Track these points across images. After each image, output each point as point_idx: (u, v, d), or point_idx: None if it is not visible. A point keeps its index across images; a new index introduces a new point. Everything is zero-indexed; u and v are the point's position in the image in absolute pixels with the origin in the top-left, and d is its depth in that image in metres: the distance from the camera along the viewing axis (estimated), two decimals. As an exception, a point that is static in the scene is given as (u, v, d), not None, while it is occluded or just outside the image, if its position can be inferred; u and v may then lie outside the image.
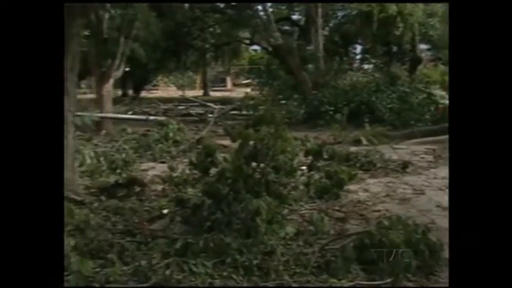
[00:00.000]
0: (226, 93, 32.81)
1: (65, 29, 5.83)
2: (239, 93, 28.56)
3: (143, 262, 3.95)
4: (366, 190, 6.95)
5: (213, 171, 5.38)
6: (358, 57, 26.19)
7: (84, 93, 21.57)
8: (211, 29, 26.07)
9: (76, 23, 5.92)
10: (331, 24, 24.94)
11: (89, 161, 7.92)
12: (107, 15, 13.13)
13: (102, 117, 12.43)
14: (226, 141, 8.17)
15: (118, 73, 13.99)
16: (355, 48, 26.14)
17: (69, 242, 3.95)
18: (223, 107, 16.81)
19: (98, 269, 3.87)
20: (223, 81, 41.68)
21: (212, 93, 34.03)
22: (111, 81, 14.03)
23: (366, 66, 24.51)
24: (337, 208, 5.93)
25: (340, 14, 24.59)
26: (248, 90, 27.81)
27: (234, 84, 39.98)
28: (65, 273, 3.68)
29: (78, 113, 8.47)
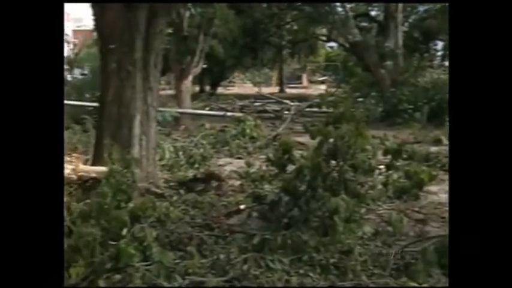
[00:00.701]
0: (302, 91, 32.66)
1: (149, 28, 6.06)
2: (315, 90, 28.37)
3: (221, 256, 4.02)
4: (447, 191, 6.70)
5: (290, 168, 5.38)
6: (439, 53, 25.30)
7: (163, 89, 22.20)
8: (288, 26, 26.08)
9: (160, 21, 6.11)
10: (410, 20, 24.26)
11: (168, 155, 8.15)
12: (187, 14, 13.43)
13: (181, 113, 12.75)
14: (303, 139, 8.14)
15: (197, 70, 14.30)
16: (436, 45, 25.29)
17: (151, 233, 4.08)
18: (300, 104, 16.75)
19: (177, 261, 3.98)
20: (299, 78, 41.52)
21: (288, 90, 34.00)
22: (190, 77, 14.36)
23: (447, 63, 23.63)
24: (416, 209, 5.77)
25: (421, 9, 23.86)
26: (324, 87, 27.58)
27: (310, 82, 39.72)
28: (147, 263, 3.85)
29: (160, 109, 8.72)
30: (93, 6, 6.65)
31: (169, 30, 13.15)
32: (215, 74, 26.34)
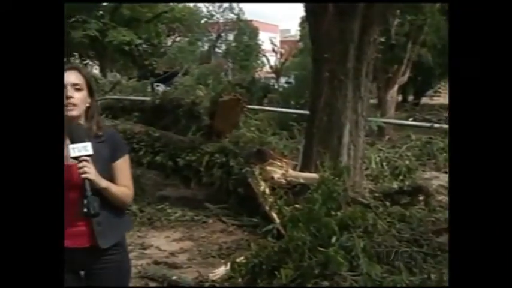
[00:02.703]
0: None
1: (362, 37, 6.06)
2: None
3: (433, 275, 3.82)
4: None
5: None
6: None
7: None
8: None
9: (374, 30, 6.07)
10: None
11: (373, 165, 8.06)
12: (396, 22, 13.20)
13: (385, 123, 12.52)
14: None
15: (403, 79, 13.95)
16: None
17: (359, 243, 4.05)
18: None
19: (385, 275, 3.88)
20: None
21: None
22: (396, 87, 14.06)
23: None
24: None
25: None
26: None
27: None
28: (354, 273, 3.83)
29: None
30: (307, 17, 6.90)
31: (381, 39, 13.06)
32: (420, 83, 25.36)
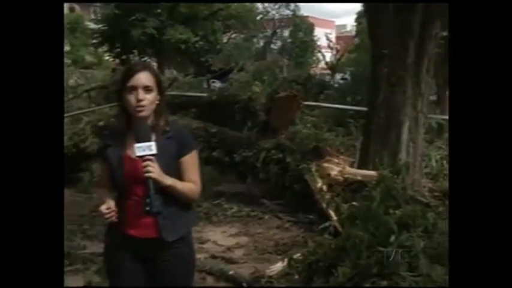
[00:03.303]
0: None
1: (423, 32, 5.89)
2: None
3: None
4: None
5: None
6: None
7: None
8: None
9: (435, 24, 5.91)
10: None
11: (433, 163, 7.85)
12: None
13: (445, 120, 12.17)
14: None
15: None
16: None
17: (419, 243, 3.97)
18: None
19: (446, 276, 3.78)
20: None
21: None
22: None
23: None
24: None
25: None
26: None
27: None
28: (414, 274, 3.74)
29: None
30: (366, 13, 6.79)
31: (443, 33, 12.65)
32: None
